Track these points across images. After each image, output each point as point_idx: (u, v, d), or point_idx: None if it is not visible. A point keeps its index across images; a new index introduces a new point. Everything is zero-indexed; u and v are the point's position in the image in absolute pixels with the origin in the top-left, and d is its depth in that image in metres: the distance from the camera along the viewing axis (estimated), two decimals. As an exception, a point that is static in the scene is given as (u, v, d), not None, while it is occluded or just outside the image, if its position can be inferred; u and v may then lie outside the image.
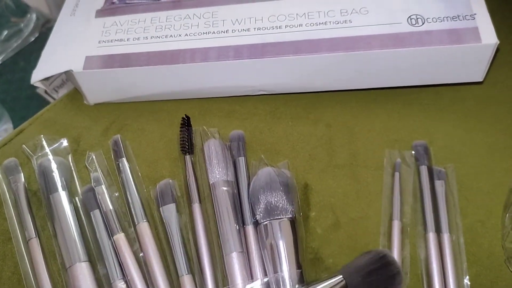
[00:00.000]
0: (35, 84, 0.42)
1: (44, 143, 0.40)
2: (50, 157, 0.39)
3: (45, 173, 0.37)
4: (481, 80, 0.40)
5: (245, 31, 0.40)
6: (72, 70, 0.41)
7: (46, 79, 0.42)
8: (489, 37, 0.37)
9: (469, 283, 0.34)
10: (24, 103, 0.78)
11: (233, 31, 0.41)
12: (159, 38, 0.41)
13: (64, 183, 0.37)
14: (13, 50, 0.84)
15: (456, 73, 0.40)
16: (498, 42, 0.37)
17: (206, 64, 0.40)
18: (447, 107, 0.42)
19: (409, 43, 0.38)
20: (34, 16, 0.86)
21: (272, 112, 0.43)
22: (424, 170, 0.38)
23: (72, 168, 0.39)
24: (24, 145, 0.40)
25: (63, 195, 0.36)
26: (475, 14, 0.38)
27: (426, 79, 0.41)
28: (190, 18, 0.42)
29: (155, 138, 0.42)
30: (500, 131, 0.41)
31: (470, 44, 0.37)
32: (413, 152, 0.39)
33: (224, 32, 0.41)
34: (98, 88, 0.42)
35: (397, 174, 0.38)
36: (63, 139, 0.41)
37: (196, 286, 0.33)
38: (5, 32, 0.85)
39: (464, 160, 0.39)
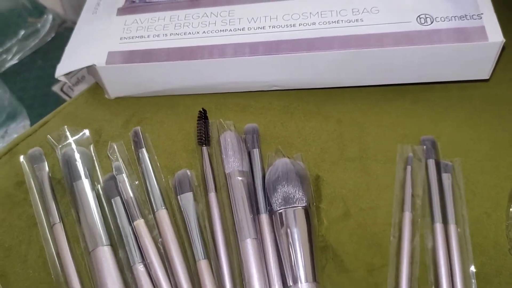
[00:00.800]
0: (59, 78, 0.44)
1: (68, 133, 0.42)
2: (74, 146, 0.41)
3: (69, 162, 0.39)
4: (487, 77, 0.42)
5: (261, 29, 0.42)
6: (95, 65, 0.43)
7: (68, 73, 0.44)
8: (496, 35, 0.39)
9: (474, 271, 0.35)
10: (41, 101, 0.81)
11: (249, 28, 0.42)
12: (178, 35, 0.43)
13: (87, 172, 0.39)
14: (30, 49, 0.87)
15: (463, 71, 0.42)
16: (504, 40, 0.39)
17: (223, 60, 0.42)
18: (454, 104, 0.44)
19: (419, 41, 0.39)
20: (50, 16, 0.89)
21: (286, 107, 0.45)
22: (431, 163, 0.39)
23: (94, 158, 0.41)
24: (49, 135, 0.42)
25: (86, 183, 0.38)
26: (482, 13, 0.40)
27: (435, 76, 0.42)
28: (207, 16, 0.44)
29: (173, 131, 0.44)
30: (506, 128, 0.42)
31: (477, 43, 0.39)
32: (424, 146, 0.41)
33: (240, 30, 0.43)
34: (119, 82, 0.44)
35: (409, 167, 0.39)
36: (85, 130, 0.43)
37: (212, 271, 0.35)
38: (23, 32, 0.87)
39: (470, 155, 0.41)
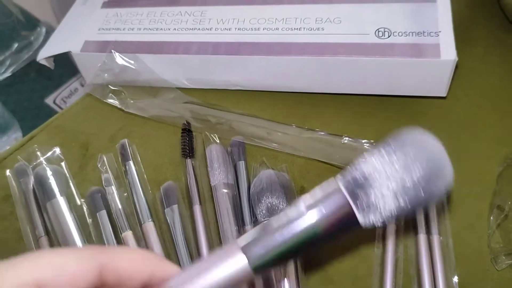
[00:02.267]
0: (40, 62, 0.46)
1: (38, 153, 0.42)
2: (45, 165, 0.41)
3: (41, 181, 0.39)
4: (444, 95, 0.42)
5: (227, 30, 0.44)
6: (71, 52, 0.45)
7: (49, 57, 0.46)
8: (449, 53, 0.39)
9: (457, 281, 0.35)
10: (34, 113, 0.81)
11: (216, 29, 0.45)
12: (150, 30, 0.46)
13: (62, 189, 0.39)
14: (23, 61, 0.87)
15: (420, 87, 0.42)
16: (457, 59, 0.39)
17: (187, 57, 0.44)
18: (437, 117, 0.44)
19: (373, 52, 0.40)
20: (43, 29, 0.90)
21: (272, 118, 0.45)
22: (415, 174, 0.40)
23: (67, 175, 0.41)
24: (19, 156, 0.42)
25: (61, 201, 0.38)
26: (439, 31, 0.40)
27: (392, 90, 0.43)
28: (181, 14, 0.47)
29: (160, 144, 0.44)
30: (487, 141, 0.43)
31: (429, 59, 0.39)
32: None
33: (208, 30, 0.45)
34: (93, 70, 0.46)
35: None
36: (55, 147, 0.43)
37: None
38: (16, 45, 0.88)
39: (453, 166, 0.41)
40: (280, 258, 0.22)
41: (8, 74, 0.88)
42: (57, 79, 0.84)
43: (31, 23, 0.92)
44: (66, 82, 0.85)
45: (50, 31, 0.91)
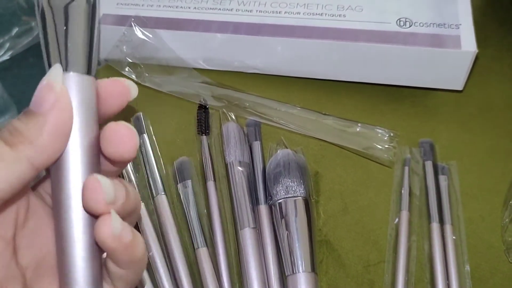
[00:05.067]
0: None
1: None
2: None
3: None
4: (461, 88, 0.43)
5: (248, 11, 0.44)
6: None
7: None
8: (469, 45, 0.40)
9: (469, 269, 0.35)
10: (31, 97, 0.80)
11: (237, 10, 0.45)
12: (170, 7, 0.46)
13: None
14: (23, 46, 0.86)
15: (438, 79, 0.43)
16: (477, 51, 0.39)
17: (207, 35, 0.44)
18: (451, 110, 0.45)
19: (394, 41, 0.41)
20: (45, 15, 0.89)
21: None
22: (429, 165, 0.40)
23: None
24: None
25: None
26: (460, 24, 0.41)
27: (409, 81, 0.44)
28: None
29: (174, 121, 0.43)
30: (500, 135, 0.43)
31: (450, 49, 0.40)
32: (422, 148, 0.41)
33: (228, 10, 0.45)
34: (110, 44, 0.45)
35: (406, 168, 0.40)
36: None
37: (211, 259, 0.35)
38: (16, 29, 0.87)
39: (466, 159, 0.41)
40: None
41: (6, 57, 0.86)
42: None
43: (33, 8, 0.91)
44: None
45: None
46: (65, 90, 0.20)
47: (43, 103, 0.19)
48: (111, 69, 0.46)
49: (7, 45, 0.89)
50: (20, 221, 0.21)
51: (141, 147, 0.39)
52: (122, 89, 0.23)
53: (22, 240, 0.21)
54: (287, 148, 0.39)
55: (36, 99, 0.19)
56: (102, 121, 0.22)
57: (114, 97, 0.23)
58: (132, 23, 0.43)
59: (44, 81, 0.19)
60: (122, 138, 0.21)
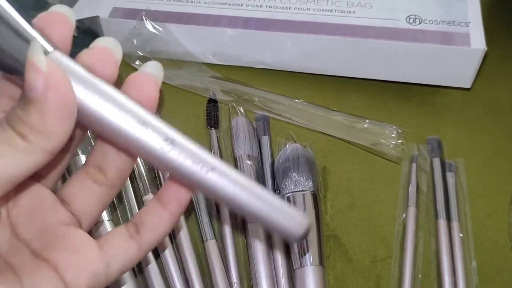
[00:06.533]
0: None
1: None
2: None
3: None
4: (469, 86, 0.43)
5: (258, 7, 0.45)
6: (99, 16, 0.45)
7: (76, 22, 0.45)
8: (479, 43, 0.40)
9: (476, 266, 0.36)
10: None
11: (247, 5, 0.45)
12: (180, 1, 0.46)
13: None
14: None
15: (446, 76, 0.43)
16: (486, 48, 0.40)
17: (217, 29, 0.44)
18: (458, 109, 0.45)
19: (403, 38, 0.41)
20: (52, 10, 0.89)
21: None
22: (437, 162, 0.40)
23: None
24: None
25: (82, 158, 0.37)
26: (469, 22, 0.41)
27: (418, 78, 0.44)
28: None
29: (183, 114, 0.44)
30: (506, 134, 0.43)
31: (459, 47, 0.40)
32: (429, 146, 0.41)
33: (238, 5, 0.45)
34: (119, 38, 0.45)
35: (414, 165, 0.40)
36: None
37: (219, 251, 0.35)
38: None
39: (473, 158, 0.41)
40: None
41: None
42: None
43: (40, 3, 0.91)
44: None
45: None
46: (53, 66, 0.18)
47: (33, 88, 0.17)
48: (121, 61, 0.46)
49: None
50: (10, 200, 0.21)
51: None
52: (104, 54, 0.20)
53: (19, 218, 0.21)
54: (296, 142, 0.39)
55: (27, 85, 0.18)
56: None
57: (100, 65, 0.20)
58: (143, 17, 0.43)
59: (28, 62, 0.18)
60: (141, 82, 0.20)
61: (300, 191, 0.35)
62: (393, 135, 0.41)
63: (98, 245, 0.21)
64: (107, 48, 0.20)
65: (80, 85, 0.19)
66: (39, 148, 0.18)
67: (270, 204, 0.21)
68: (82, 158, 0.37)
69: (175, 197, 0.22)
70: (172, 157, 0.19)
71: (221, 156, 0.39)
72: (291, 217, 0.21)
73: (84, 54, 0.20)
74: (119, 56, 0.21)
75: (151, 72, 0.21)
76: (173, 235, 0.35)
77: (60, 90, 0.18)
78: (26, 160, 0.18)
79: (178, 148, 0.19)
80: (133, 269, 0.34)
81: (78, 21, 0.45)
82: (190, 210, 0.37)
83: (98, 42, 0.21)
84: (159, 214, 0.22)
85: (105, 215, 0.35)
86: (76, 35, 0.43)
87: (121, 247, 0.21)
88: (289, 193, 0.36)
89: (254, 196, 0.20)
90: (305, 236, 0.22)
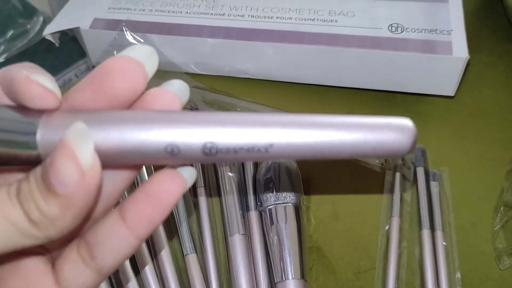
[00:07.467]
0: (46, 37, 0.45)
1: None
2: None
3: None
4: (452, 94, 0.43)
5: (239, 16, 0.45)
6: (79, 28, 0.45)
7: (55, 33, 0.46)
8: (461, 51, 0.40)
9: (460, 276, 0.35)
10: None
11: (229, 15, 0.45)
12: (161, 11, 0.46)
13: None
14: (17, 49, 0.86)
15: (429, 85, 0.43)
16: (469, 57, 0.40)
17: (198, 39, 0.44)
18: (442, 117, 0.45)
19: (386, 46, 0.41)
20: (41, 18, 0.88)
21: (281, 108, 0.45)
22: (421, 171, 0.40)
23: None
24: None
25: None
26: (452, 30, 0.41)
27: (401, 87, 0.44)
28: None
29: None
30: (491, 142, 0.43)
31: (441, 55, 0.40)
32: (413, 155, 0.41)
33: (220, 15, 0.45)
34: (100, 49, 0.45)
35: (397, 174, 0.40)
36: None
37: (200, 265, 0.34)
38: (11, 32, 0.87)
39: (457, 166, 0.41)
40: None
41: (1, 60, 0.86)
42: (50, 69, 0.82)
43: (29, 11, 0.91)
44: (59, 73, 0.84)
45: (47, 21, 0.90)
46: (96, 163, 0.16)
47: (65, 184, 0.15)
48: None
49: (2, 47, 0.89)
50: None
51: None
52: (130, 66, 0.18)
53: None
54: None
55: (57, 176, 0.15)
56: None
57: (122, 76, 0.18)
58: (123, 28, 0.43)
59: (66, 152, 0.15)
60: (165, 101, 0.19)
61: (281, 203, 0.35)
62: (376, 144, 0.40)
63: None
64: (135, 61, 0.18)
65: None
66: (43, 236, 0.16)
67: (360, 128, 0.17)
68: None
69: (145, 216, 0.18)
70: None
71: (202, 169, 0.38)
72: (389, 129, 0.18)
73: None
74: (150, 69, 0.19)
75: (177, 94, 0.19)
76: (153, 250, 0.35)
77: (92, 190, 0.16)
78: (21, 241, 0.16)
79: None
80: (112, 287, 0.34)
81: (63, 32, 0.45)
82: (170, 224, 0.37)
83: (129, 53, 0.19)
84: (121, 235, 0.18)
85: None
86: (58, 45, 0.42)
87: (77, 279, 0.18)
88: (270, 205, 0.35)
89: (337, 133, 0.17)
90: (414, 143, 0.18)
